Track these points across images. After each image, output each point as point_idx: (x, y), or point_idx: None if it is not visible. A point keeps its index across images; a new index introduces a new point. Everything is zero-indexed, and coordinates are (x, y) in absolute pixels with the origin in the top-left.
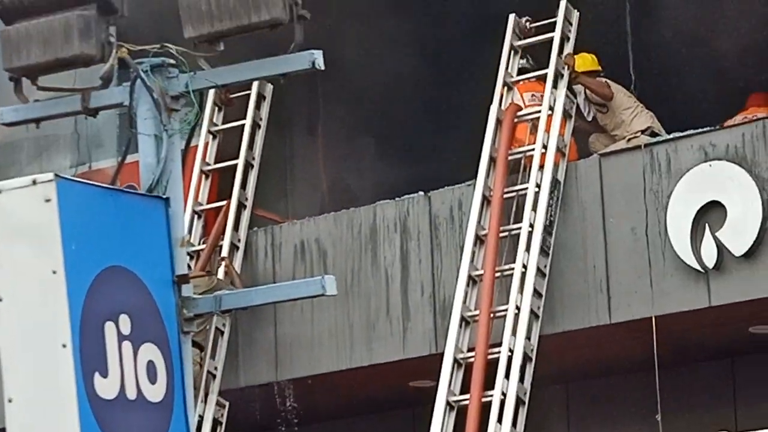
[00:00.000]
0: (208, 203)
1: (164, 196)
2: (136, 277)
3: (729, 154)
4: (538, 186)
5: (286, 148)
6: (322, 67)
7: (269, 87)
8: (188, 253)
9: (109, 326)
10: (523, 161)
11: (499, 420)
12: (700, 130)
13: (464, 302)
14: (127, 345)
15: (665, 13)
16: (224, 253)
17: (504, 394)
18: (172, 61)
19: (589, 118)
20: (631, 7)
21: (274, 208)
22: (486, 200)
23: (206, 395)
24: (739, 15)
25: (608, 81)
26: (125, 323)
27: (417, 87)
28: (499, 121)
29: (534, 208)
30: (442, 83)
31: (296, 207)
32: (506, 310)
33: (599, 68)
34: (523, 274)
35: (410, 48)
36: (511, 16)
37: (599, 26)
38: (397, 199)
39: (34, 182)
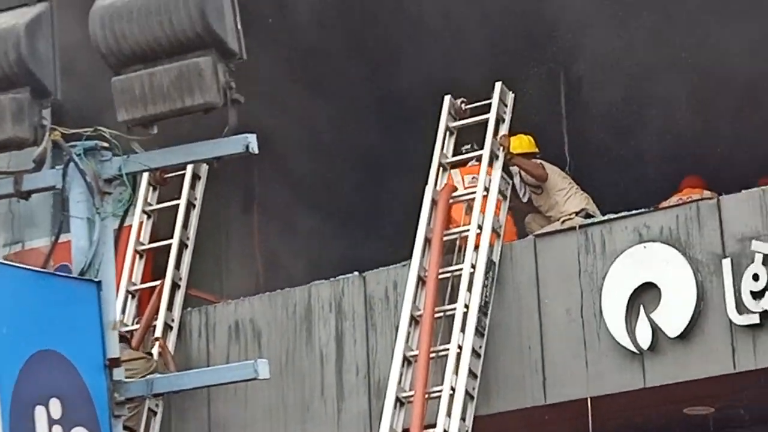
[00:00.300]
0: (142, 283)
1: (96, 280)
2: (68, 360)
3: (663, 235)
4: (473, 267)
5: (222, 228)
6: (256, 151)
7: (204, 167)
8: (122, 334)
9: (40, 410)
10: (458, 242)
11: None
12: (634, 211)
13: (399, 383)
14: (57, 429)
15: (599, 95)
16: (158, 333)
17: None
18: (105, 144)
19: (525, 199)
20: (566, 89)
21: (209, 288)
22: (421, 281)
23: None
24: (669, 96)
25: (543, 162)
26: (56, 407)
27: (353, 167)
28: (434, 202)
29: (469, 289)
30: (378, 163)
31: (231, 287)
32: (441, 390)
33: (536, 150)
34: (458, 355)
35: (347, 127)
36: (447, 98)
37: (535, 108)
38: (332, 279)
39: None
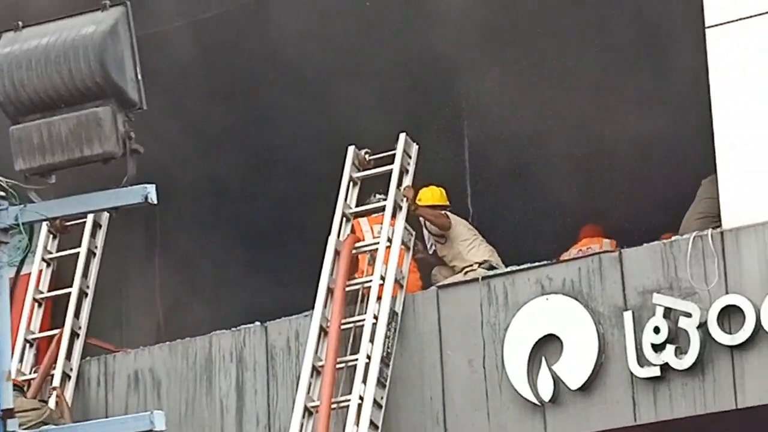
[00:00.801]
0: (40, 331)
1: None
2: None
3: (566, 288)
4: (376, 317)
5: (123, 276)
6: (155, 202)
7: (105, 215)
8: (16, 383)
9: None
10: (360, 292)
11: None
12: (537, 263)
13: None
14: None
15: (501, 148)
16: (56, 382)
17: None
18: (1, 194)
19: (431, 251)
20: (469, 141)
21: (109, 337)
22: (323, 331)
23: None
24: (570, 150)
25: (448, 213)
26: None
27: (255, 216)
28: (337, 252)
29: (371, 340)
30: (279, 213)
31: (132, 336)
32: None
33: (447, 203)
34: (360, 406)
35: (251, 175)
36: (351, 148)
37: (439, 160)
38: (233, 329)
39: None
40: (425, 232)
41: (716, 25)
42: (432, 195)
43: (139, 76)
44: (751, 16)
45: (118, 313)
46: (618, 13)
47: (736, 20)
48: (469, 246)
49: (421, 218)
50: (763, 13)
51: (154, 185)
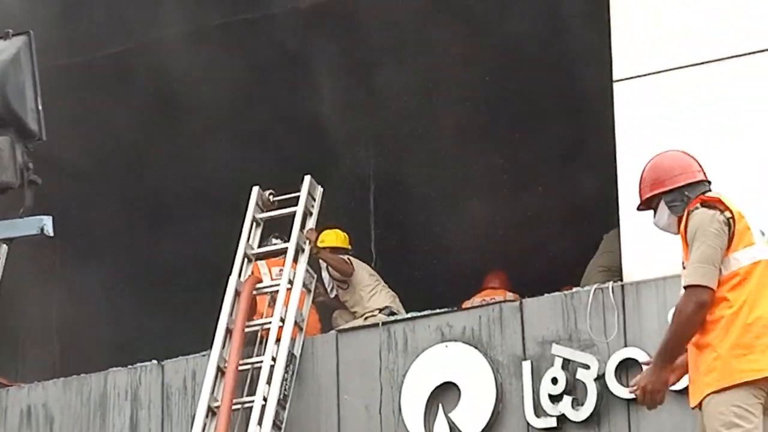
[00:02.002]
0: None
1: None
2: None
3: (465, 335)
4: (274, 359)
5: (20, 311)
6: (51, 234)
7: (3, 247)
8: None
9: None
10: (260, 333)
11: None
12: (437, 311)
13: None
14: None
15: (410, 193)
16: None
17: None
18: None
19: (332, 295)
20: (375, 186)
21: (4, 372)
22: (220, 371)
23: None
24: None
25: (351, 258)
26: None
27: (155, 254)
28: (237, 293)
29: (269, 382)
30: (180, 252)
31: (27, 371)
32: None
33: (349, 247)
34: None
35: (151, 216)
36: (255, 189)
37: (344, 203)
38: (129, 366)
39: None
40: (326, 275)
41: (623, 80)
42: (336, 238)
43: (40, 107)
44: (657, 72)
45: (15, 348)
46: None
47: (643, 75)
48: (371, 292)
49: (322, 262)
50: (670, 69)
51: (50, 217)
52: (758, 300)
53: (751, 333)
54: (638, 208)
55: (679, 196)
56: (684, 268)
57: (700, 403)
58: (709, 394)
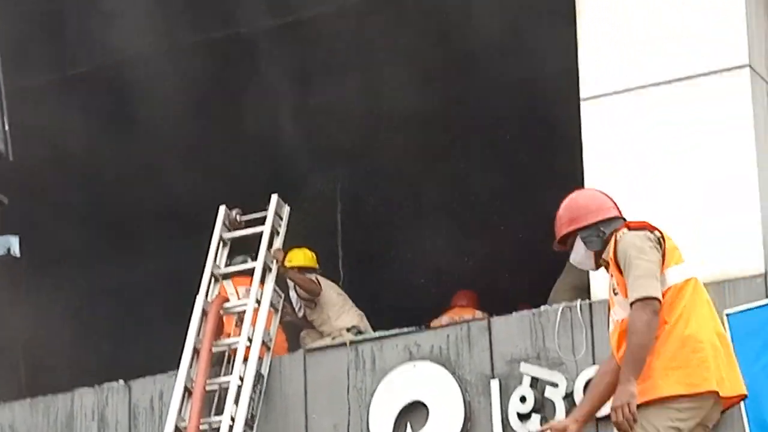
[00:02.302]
0: None
1: None
2: None
3: (433, 354)
4: (242, 379)
5: None
6: (18, 255)
7: None
8: None
9: None
10: (227, 353)
11: None
12: (405, 330)
13: None
14: None
15: (372, 211)
16: None
17: None
18: None
19: (300, 314)
20: (342, 205)
21: None
22: (188, 391)
23: None
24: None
25: (319, 278)
26: None
27: (122, 274)
28: (204, 312)
29: (236, 402)
30: (146, 272)
31: None
32: None
33: (316, 266)
34: None
35: (117, 235)
36: (222, 208)
37: (311, 222)
38: (96, 386)
39: None
40: (294, 294)
41: (591, 98)
42: (303, 257)
43: (6, 127)
44: (624, 90)
45: None
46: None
47: (610, 94)
48: (338, 311)
49: (290, 281)
50: (636, 88)
51: (17, 237)
52: (691, 317)
53: (687, 348)
54: (554, 247)
55: (594, 232)
56: (615, 294)
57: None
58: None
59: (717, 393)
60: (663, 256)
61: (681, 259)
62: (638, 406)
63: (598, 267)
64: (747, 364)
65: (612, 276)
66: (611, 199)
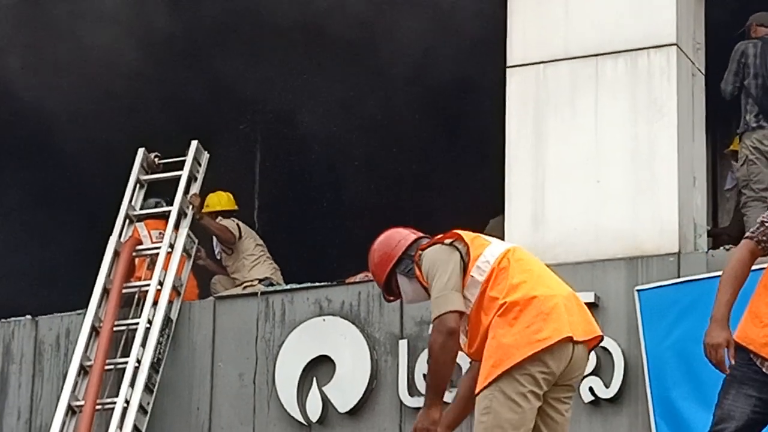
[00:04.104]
0: None
1: None
2: None
3: (344, 310)
4: (150, 322)
5: None
6: None
7: None
8: None
9: None
10: (137, 296)
11: None
12: (317, 284)
13: (61, 431)
14: None
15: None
16: None
17: None
18: None
19: (218, 258)
20: (261, 155)
21: None
22: (95, 331)
23: None
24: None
25: (240, 224)
26: None
27: (35, 211)
28: (117, 253)
29: (143, 344)
30: (60, 210)
31: None
32: None
33: (235, 208)
34: (125, 410)
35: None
36: (140, 150)
37: (230, 169)
38: (3, 320)
39: None
40: (215, 239)
41: (516, 66)
42: (219, 200)
43: None
44: (551, 61)
45: None
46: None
47: (536, 63)
48: (254, 261)
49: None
50: (563, 59)
51: None
52: (520, 279)
53: (535, 308)
54: (387, 300)
55: (408, 261)
56: None
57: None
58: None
59: (572, 338)
60: (468, 253)
61: (485, 242)
62: (491, 382)
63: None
64: (655, 341)
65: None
66: (405, 228)
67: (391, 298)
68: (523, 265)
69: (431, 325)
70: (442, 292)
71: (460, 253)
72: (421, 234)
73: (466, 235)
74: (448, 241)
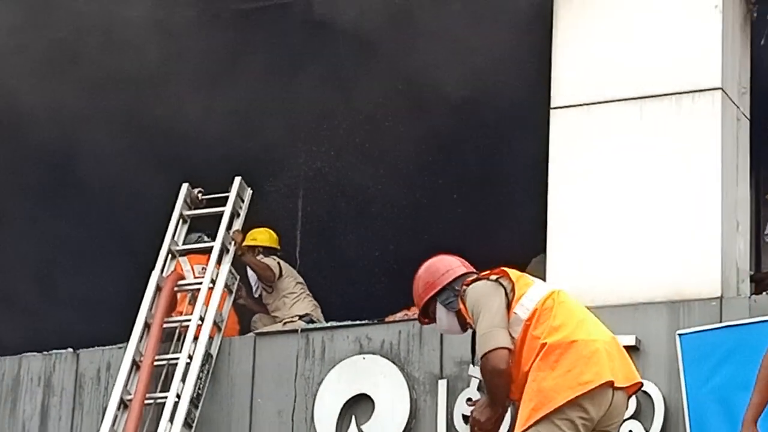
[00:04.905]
0: None
1: None
2: None
3: (384, 349)
4: (190, 357)
5: None
6: None
7: None
8: None
9: None
10: (178, 330)
11: None
12: (357, 322)
13: None
14: None
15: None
16: None
17: None
18: None
19: (256, 294)
20: (304, 191)
21: None
22: (136, 365)
23: None
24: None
25: (281, 263)
26: None
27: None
28: (159, 288)
29: (183, 379)
30: (104, 243)
31: None
32: None
33: (277, 246)
34: None
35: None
36: (184, 185)
37: (273, 206)
38: (44, 353)
39: None
40: (252, 275)
41: (560, 108)
42: (269, 237)
43: None
44: (595, 103)
45: None
46: None
47: (581, 105)
48: (294, 299)
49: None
50: (608, 101)
51: None
52: (567, 325)
53: (575, 351)
54: (421, 322)
55: (450, 293)
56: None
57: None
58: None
59: (612, 383)
60: (513, 291)
61: (529, 282)
62: (530, 426)
63: (464, 329)
64: (695, 386)
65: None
66: (458, 258)
67: (426, 321)
68: (566, 307)
69: (482, 359)
70: (490, 330)
71: (505, 290)
72: (468, 268)
73: (512, 273)
74: (493, 277)
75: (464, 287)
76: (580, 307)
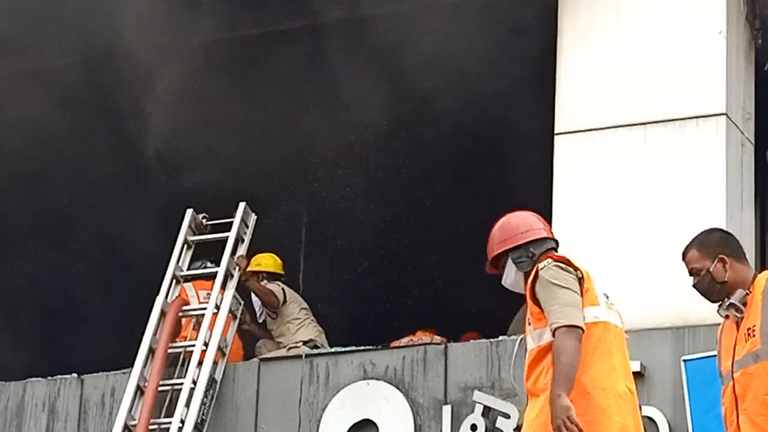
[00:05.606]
0: None
1: None
2: None
3: (388, 375)
4: (195, 382)
5: None
6: None
7: None
8: None
9: None
10: (182, 355)
11: None
12: (361, 347)
13: None
14: None
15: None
16: None
17: None
18: None
19: (260, 320)
20: (308, 217)
21: None
22: (140, 390)
23: None
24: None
25: (286, 289)
26: None
27: (81, 269)
28: (163, 313)
29: (187, 404)
30: (107, 269)
31: None
32: None
33: (281, 272)
34: None
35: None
36: (189, 211)
37: (277, 231)
38: (49, 378)
39: None
40: (257, 301)
41: (565, 133)
42: (274, 263)
43: None
44: (599, 128)
45: None
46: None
47: (585, 130)
48: (299, 325)
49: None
50: (611, 127)
51: None
52: (594, 362)
53: (587, 394)
54: (487, 270)
55: (524, 252)
56: (529, 324)
57: None
58: None
59: None
60: (582, 294)
61: (595, 302)
62: None
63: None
64: (700, 412)
65: (530, 306)
66: (543, 221)
67: (493, 270)
68: (604, 345)
69: (553, 326)
70: (573, 307)
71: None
72: (548, 233)
73: (587, 278)
74: (576, 274)
75: (547, 261)
76: (621, 352)
